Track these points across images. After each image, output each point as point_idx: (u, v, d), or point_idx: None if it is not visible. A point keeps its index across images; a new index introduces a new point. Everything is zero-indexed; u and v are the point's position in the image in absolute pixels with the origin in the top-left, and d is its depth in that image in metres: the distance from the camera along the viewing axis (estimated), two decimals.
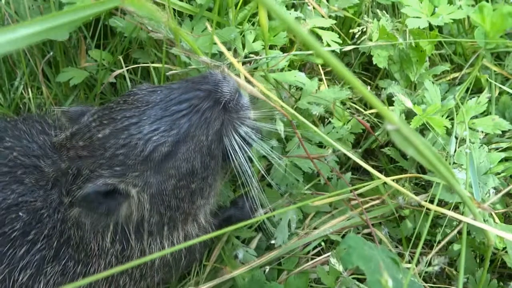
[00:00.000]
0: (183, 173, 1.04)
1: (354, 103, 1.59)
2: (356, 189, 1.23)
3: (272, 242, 1.33)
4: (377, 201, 1.27)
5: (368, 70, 1.72)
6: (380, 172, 1.49)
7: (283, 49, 1.56)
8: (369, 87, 1.59)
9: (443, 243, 1.09)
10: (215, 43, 1.37)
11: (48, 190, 1.08)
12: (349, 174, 1.42)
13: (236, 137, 1.07)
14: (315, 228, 1.31)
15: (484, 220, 1.03)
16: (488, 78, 1.51)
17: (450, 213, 0.93)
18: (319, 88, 1.52)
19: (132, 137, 0.99)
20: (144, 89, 1.06)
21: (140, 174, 1.01)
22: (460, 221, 1.18)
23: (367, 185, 1.16)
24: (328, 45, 1.50)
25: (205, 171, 1.07)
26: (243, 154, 1.08)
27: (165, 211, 1.07)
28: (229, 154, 1.08)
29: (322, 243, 1.31)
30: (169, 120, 1.00)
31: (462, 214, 1.09)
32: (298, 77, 1.42)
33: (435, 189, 1.11)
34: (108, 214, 1.03)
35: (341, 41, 1.52)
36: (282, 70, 1.47)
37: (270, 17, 1.55)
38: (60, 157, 1.06)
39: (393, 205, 1.24)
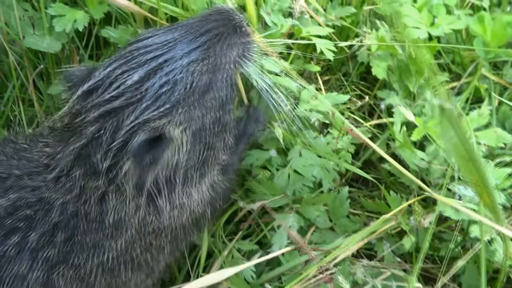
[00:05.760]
0: (219, 104, 1.05)
1: (353, 113, 1.56)
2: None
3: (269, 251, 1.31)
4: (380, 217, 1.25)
5: (366, 80, 1.70)
6: (380, 184, 1.47)
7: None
8: (367, 97, 1.57)
9: (459, 264, 1.06)
10: None
11: (60, 172, 1.00)
12: (346, 188, 1.39)
13: (253, 57, 1.11)
14: (315, 244, 1.29)
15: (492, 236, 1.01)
16: (488, 89, 1.50)
17: (478, 217, 0.90)
18: (316, 98, 1.50)
19: (172, 72, 0.97)
20: (158, 31, 1.05)
21: (187, 109, 0.99)
22: (464, 238, 1.16)
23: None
24: (322, 53, 1.48)
25: (230, 101, 1.08)
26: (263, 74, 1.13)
27: (202, 150, 1.05)
28: (249, 75, 1.11)
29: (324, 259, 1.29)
30: (201, 51, 1.01)
31: (468, 232, 1.07)
32: (292, 85, 1.40)
33: (440, 206, 1.09)
34: (152, 165, 0.97)
35: (336, 50, 1.49)
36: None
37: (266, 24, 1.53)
38: (80, 125, 0.98)
39: (403, 223, 1.22)
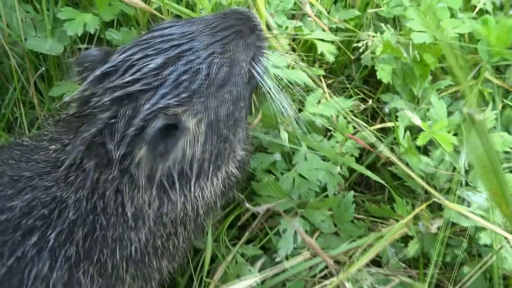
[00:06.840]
0: (233, 98, 1.05)
1: (356, 116, 1.55)
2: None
3: (275, 256, 1.30)
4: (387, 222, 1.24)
5: (368, 83, 1.70)
6: (384, 188, 1.47)
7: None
8: (370, 101, 1.57)
9: (469, 274, 1.05)
10: None
11: (69, 166, 0.97)
12: (351, 193, 1.38)
13: (264, 62, 1.13)
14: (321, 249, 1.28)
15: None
16: (492, 93, 1.49)
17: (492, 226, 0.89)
18: (319, 101, 1.49)
19: (193, 62, 0.97)
20: (176, 23, 1.05)
21: (204, 100, 0.99)
22: (470, 244, 1.16)
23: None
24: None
25: (243, 98, 1.09)
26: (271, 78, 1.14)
27: (216, 143, 1.04)
28: (259, 78, 1.12)
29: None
30: (220, 44, 1.03)
31: (475, 239, 1.07)
32: (301, 76, 1.39)
33: (447, 211, 1.09)
34: (164, 156, 0.95)
35: (338, 52, 1.49)
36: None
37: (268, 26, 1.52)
38: (91, 112, 0.95)
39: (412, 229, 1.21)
